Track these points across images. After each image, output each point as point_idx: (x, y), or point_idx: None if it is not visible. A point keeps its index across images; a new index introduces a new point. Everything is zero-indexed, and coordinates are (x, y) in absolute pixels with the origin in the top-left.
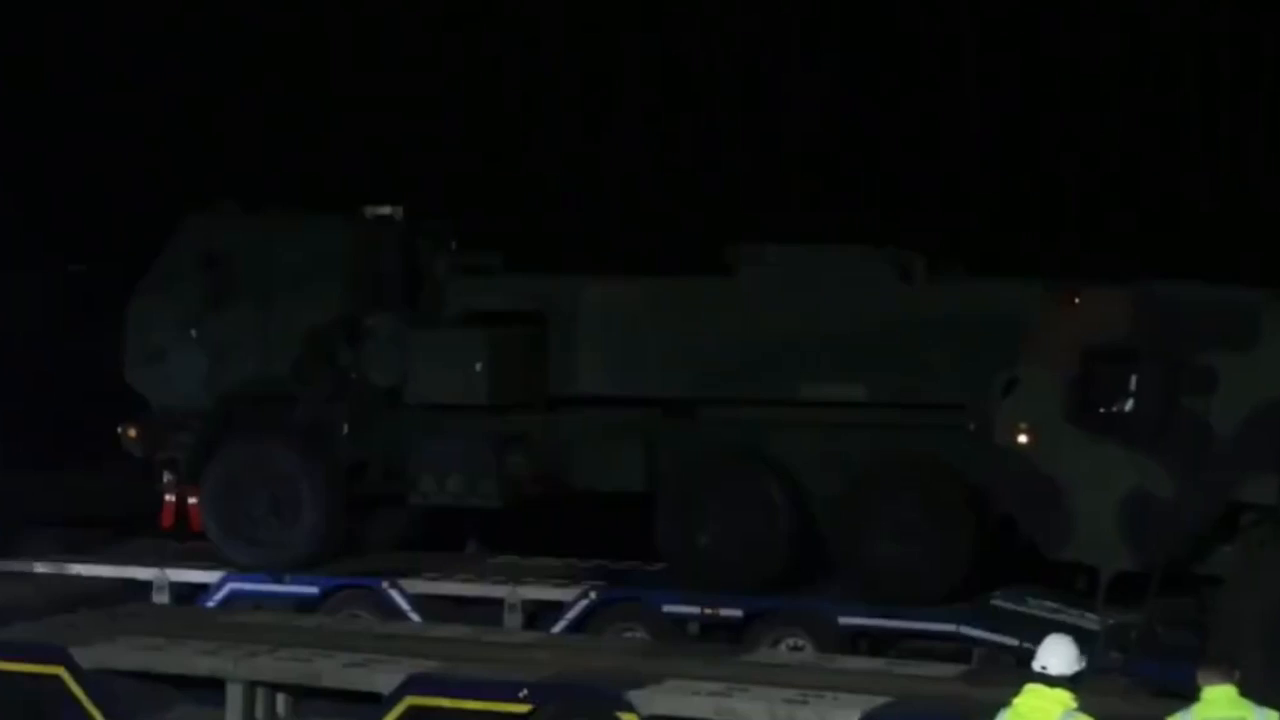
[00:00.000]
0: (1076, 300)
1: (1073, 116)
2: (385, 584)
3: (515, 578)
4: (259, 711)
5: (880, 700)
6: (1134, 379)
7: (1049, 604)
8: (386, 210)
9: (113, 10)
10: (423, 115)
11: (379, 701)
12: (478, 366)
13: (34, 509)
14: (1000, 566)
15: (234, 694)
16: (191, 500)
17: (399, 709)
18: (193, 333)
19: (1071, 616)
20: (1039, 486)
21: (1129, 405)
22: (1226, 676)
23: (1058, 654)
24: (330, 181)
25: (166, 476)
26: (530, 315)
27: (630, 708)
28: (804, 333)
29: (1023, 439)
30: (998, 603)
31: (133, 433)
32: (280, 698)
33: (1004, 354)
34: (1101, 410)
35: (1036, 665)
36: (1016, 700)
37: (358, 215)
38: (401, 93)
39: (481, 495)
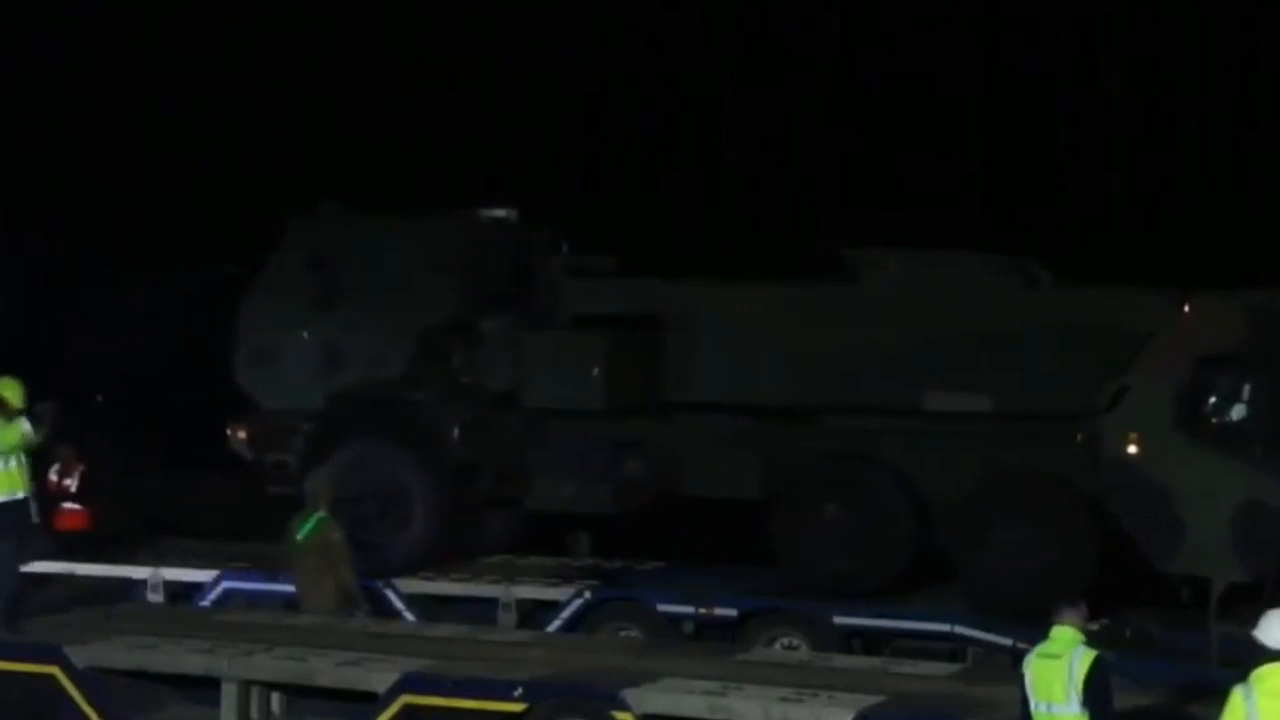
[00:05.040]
0: (1187, 308)
1: (1073, 119)
2: (380, 583)
3: (510, 577)
4: (254, 710)
5: (874, 699)
6: (1246, 388)
7: None
8: (500, 212)
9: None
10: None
11: (374, 700)
12: (594, 371)
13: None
14: (1122, 583)
15: (229, 693)
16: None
17: (394, 708)
18: (303, 334)
19: None
20: (1148, 496)
21: (1240, 414)
22: (1073, 618)
23: None
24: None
25: (54, 471)
26: (644, 320)
27: (625, 706)
28: (928, 341)
29: (1132, 449)
30: None
31: (242, 434)
32: (275, 696)
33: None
34: (1213, 419)
35: (1273, 645)
36: (1265, 684)
37: (471, 217)
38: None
39: (595, 501)
